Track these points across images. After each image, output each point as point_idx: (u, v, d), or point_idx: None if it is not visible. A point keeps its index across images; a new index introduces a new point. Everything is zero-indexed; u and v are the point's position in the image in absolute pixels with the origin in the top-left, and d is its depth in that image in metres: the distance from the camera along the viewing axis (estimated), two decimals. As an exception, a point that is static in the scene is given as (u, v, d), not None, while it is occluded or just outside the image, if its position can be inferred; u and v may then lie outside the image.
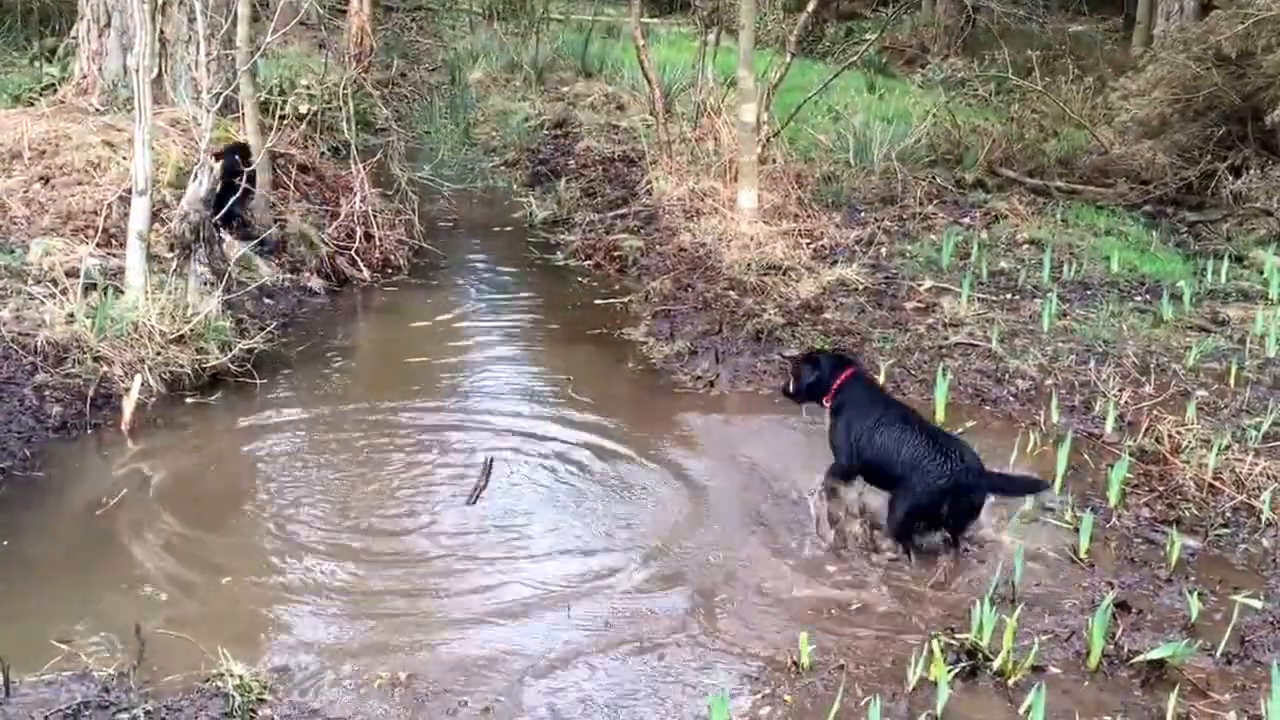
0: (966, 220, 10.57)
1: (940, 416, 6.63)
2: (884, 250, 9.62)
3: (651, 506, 5.70)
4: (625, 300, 9.00)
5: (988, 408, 6.91)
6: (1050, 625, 4.63)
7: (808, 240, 9.73)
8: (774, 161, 10.94)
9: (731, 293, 8.63)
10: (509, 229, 11.28)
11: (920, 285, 8.79)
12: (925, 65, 17.92)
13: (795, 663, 4.35)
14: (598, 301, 9.09)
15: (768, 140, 10.71)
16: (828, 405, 5.55)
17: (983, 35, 16.64)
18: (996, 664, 4.32)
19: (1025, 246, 9.92)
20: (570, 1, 20.31)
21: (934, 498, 5.02)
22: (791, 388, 5.77)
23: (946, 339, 7.79)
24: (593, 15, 17.79)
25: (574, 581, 4.98)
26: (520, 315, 8.79)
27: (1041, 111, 13.09)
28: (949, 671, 4.16)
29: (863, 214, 10.67)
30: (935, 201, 11.03)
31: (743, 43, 9.95)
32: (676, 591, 4.93)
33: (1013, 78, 13.62)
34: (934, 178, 11.65)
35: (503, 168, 13.46)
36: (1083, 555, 5.16)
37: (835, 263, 9.24)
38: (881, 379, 7.17)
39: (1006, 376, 7.23)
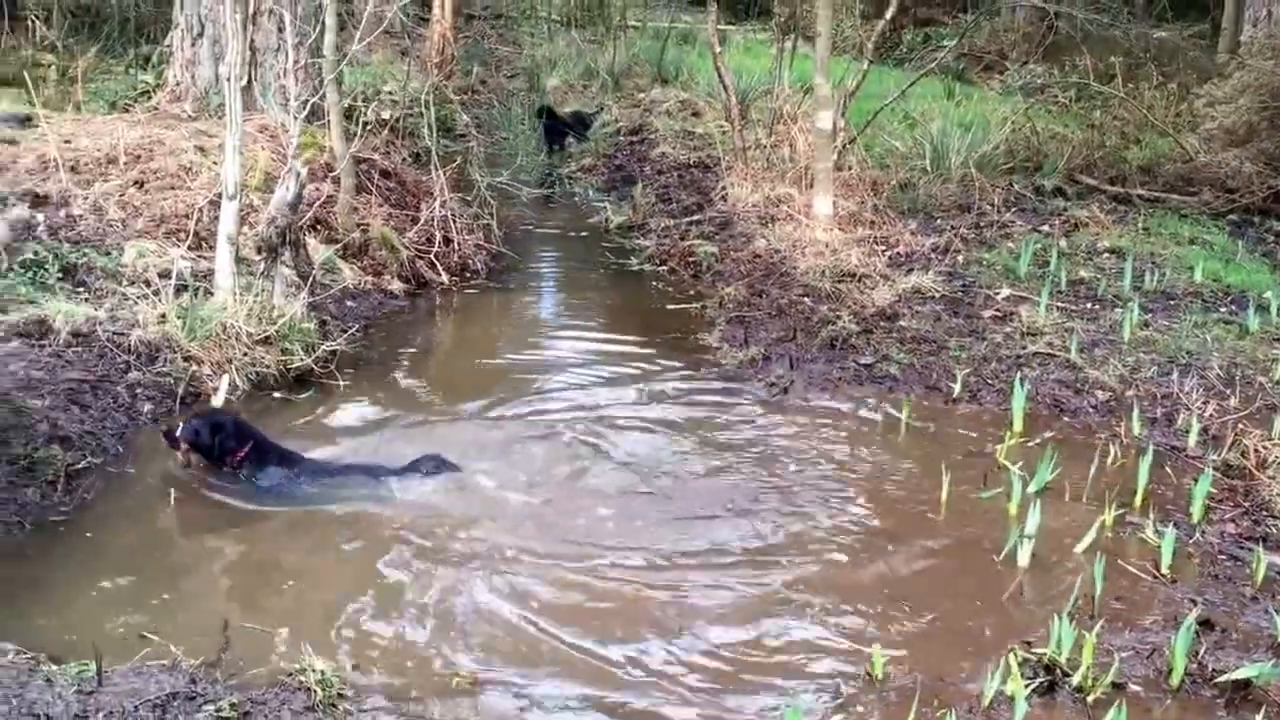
0: (1045, 228, 10.46)
1: (1017, 427, 6.60)
2: (960, 258, 9.56)
3: (725, 512, 5.71)
4: (699, 306, 9.02)
5: (1066, 418, 6.84)
6: (1131, 642, 4.58)
7: (883, 247, 9.70)
8: (849, 168, 10.92)
9: (806, 299, 8.64)
10: (585, 234, 11.37)
11: (997, 293, 8.72)
12: (1004, 72, 17.74)
13: (869, 673, 4.34)
14: (671, 306, 9.12)
15: (844, 147, 10.69)
16: (234, 467, 5.79)
17: (1063, 41, 16.43)
18: (1075, 680, 4.28)
19: (1106, 255, 9.80)
20: (648, 9, 20.39)
21: None
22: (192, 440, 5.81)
23: (1024, 348, 7.73)
24: (669, 22, 17.84)
25: (645, 585, 5.00)
26: (595, 319, 8.85)
27: (1123, 119, 12.92)
28: (1026, 687, 4.13)
29: (939, 221, 10.61)
30: (1013, 209, 10.95)
31: (820, 50, 9.94)
32: (750, 598, 4.94)
33: (1094, 84, 13.46)
34: (1012, 185, 11.55)
35: (579, 174, 13.56)
36: (1165, 571, 5.10)
37: (911, 270, 9.20)
38: (957, 388, 7.16)
39: (1086, 387, 7.16)
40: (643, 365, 7.73)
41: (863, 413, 7.01)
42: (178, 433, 5.78)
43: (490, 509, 5.63)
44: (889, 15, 11.31)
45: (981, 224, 10.49)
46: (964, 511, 5.75)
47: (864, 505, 5.82)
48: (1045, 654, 4.38)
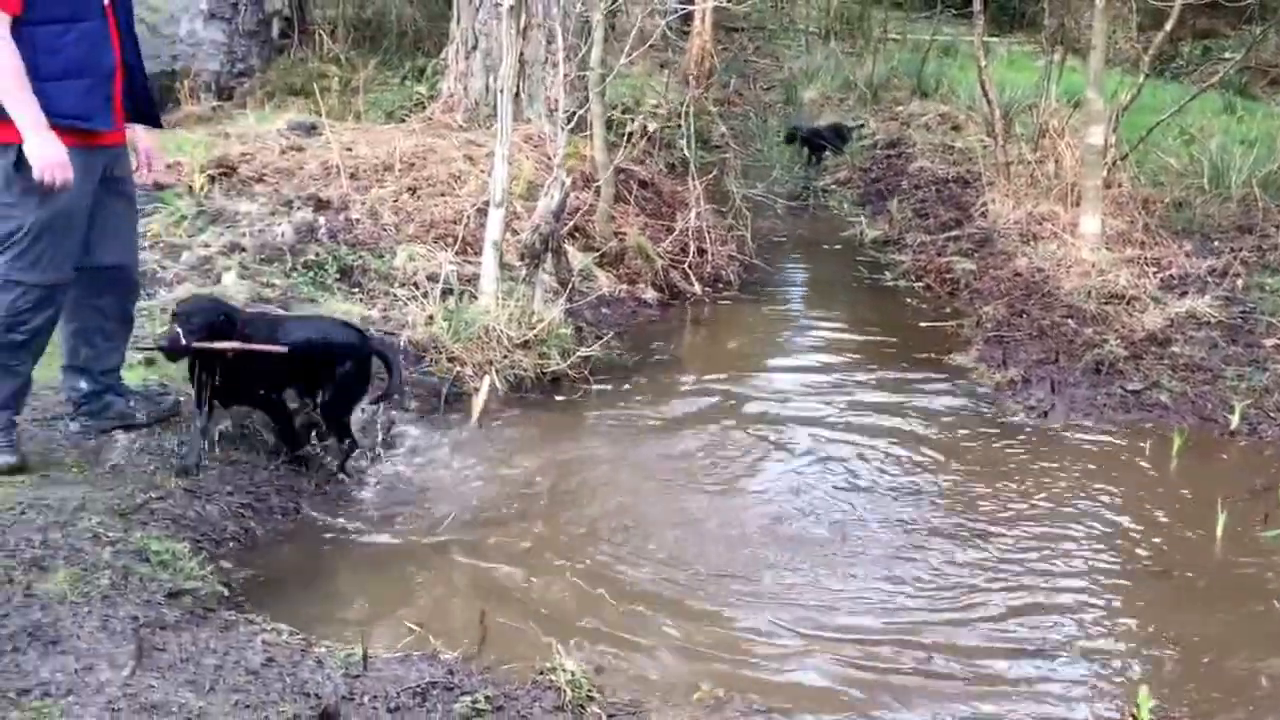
0: (1339, 253, 9.71)
1: (1304, 466, 6.17)
2: (1240, 282, 8.96)
3: (977, 540, 5.53)
4: (955, 324, 8.81)
5: (1362, 459, 6.35)
6: None
7: (1154, 269, 9.20)
8: (1119, 185, 10.45)
9: (1070, 321, 8.29)
10: (838, 247, 11.26)
11: (1282, 322, 8.16)
12: (1294, 86, 16.62)
13: (1133, 717, 4.10)
14: (925, 324, 8.95)
15: (1114, 164, 10.23)
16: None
17: (1365, 53, 15.26)
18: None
19: None
20: (909, 21, 20.06)
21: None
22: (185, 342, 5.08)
23: (1313, 380, 7.20)
24: (930, 35, 17.47)
25: (886, 612, 4.90)
26: (847, 334, 8.76)
27: None
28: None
29: (1216, 243, 9.99)
30: (1302, 232, 10.21)
31: (1093, 63, 9.56)
32: (1002, 632, 4.78)
33: (1400, 100, 12.43)
34: (1301, 206, 10.77)
35: (834, 186, 13.44)
36: None
37: (1184, 294, 8.69)
38: (1235, 420, 6.75)
39: (1386, 426, 6.61)
40: (894, 384, 7.59)
41: (1129, 441, 6.70)
42: (182, 340, 5.06)
43: (726, 525, 5.63)
44: (1168, 27, 10.74)
45: (1264, 247, 9.80)
46: (1241, 551, 5.40)
47: (1128, 538, 5.55)
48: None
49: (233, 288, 7.04)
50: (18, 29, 4.61)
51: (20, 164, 4.68)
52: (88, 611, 4.02)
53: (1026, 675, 4.50)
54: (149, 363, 6.02)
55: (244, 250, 7.62)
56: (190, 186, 8.37)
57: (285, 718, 3.62)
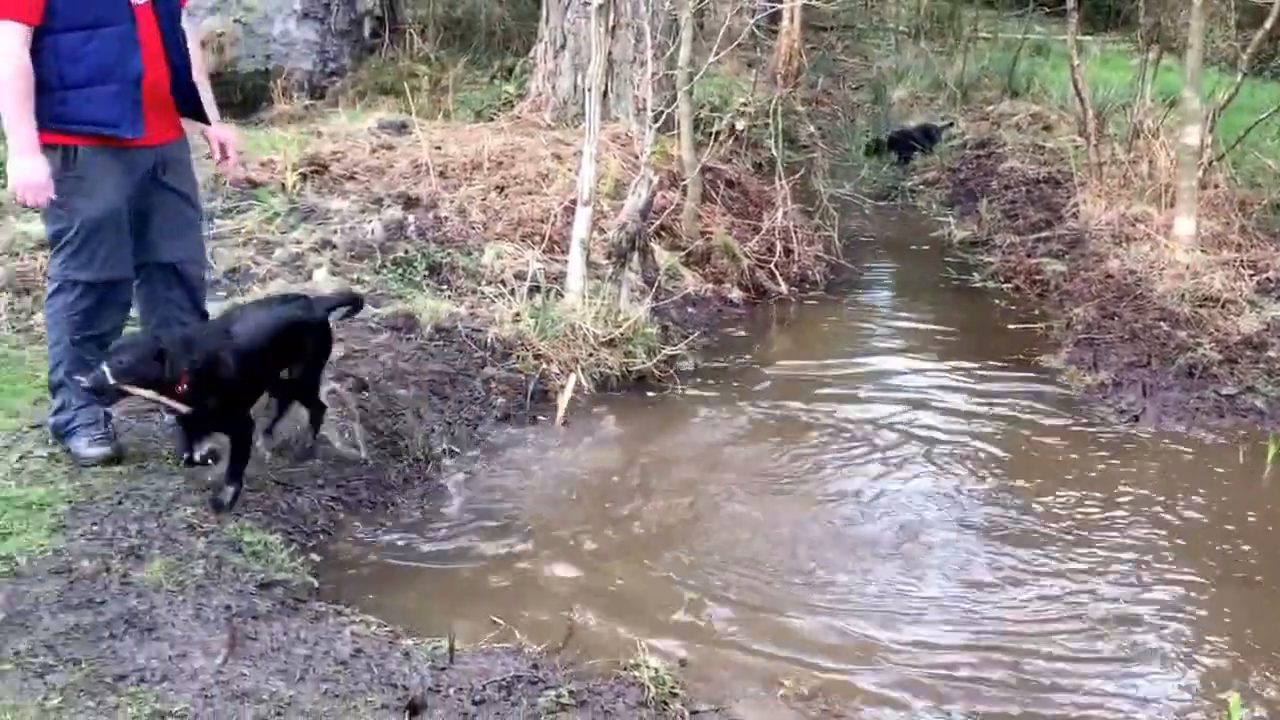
0: None
1: None
2: (1342, 286, 8.73)
3: (1062, 546, 5.44)
4: (1044, 326, 8.67)
5: None
6: None
7: (1250, 272, 8.96)
8: (1215, 187, 10.20)
9: (1162, 324, 8.10)
10: (926, 248, 11.14)
11: (1388, 327, 7.90)
12: (1401, 84, 16.08)
13: (1225, 724, 4.04)
14: (1014, 326, 8.82)
15: (1210, 164, 10.00)
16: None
17: None
18: None
19: None
20: (1000, 19, 19.78)
21: None
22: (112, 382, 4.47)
23: None
24: (1022, 33, 17.21)
25: (974, 625, 4.83)
26: (934, 335, 8.65)
27: None
28: None
29: (1316, 245, 9.72)
30: None
31: (1190, 62, 9.34)
32: (1092, 638, 4.69)
33: None
34: (1406, 209, 10.43)
35: (922, 186, 13.31)
36: None
37: (1283, 297, 8.49)
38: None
39: None
40: (981, 385, 7.50)
41: (1222, 447, 6.55)
42: (109, 379, 4.45)
43: (807, 525, 5.61)
44: (1268, 25, 10.45)
45: (1369, 250, 9.53)
46: (1337, 562, 5.25)
47: (1219, 545, 5.43)
48: None
49: (323, 284, 7.15)
50: (40, 37, 4.55)
51: (66, 164, 4.67)
52: (182, 600, 4.12)
53: (1114, 684, 4.42)
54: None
55: (335, 247, 7.74)
56: (283, 184, 8.52)
57: (373, 708, 3.67)
